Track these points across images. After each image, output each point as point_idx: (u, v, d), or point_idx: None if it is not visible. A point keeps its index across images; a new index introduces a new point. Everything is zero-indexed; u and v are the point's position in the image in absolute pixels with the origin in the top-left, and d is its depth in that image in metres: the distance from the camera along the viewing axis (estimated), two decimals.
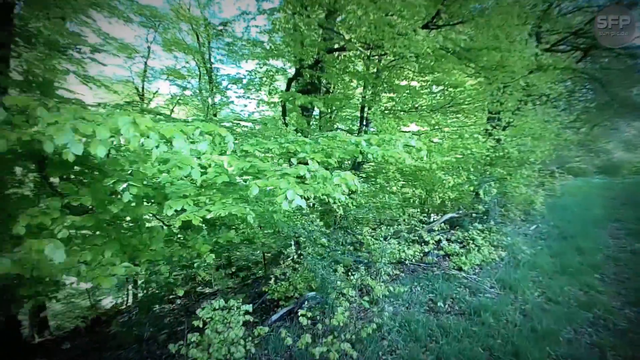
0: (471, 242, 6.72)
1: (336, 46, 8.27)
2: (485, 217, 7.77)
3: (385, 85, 9.53)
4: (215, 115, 14.11)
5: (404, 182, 11.35)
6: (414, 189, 10.19)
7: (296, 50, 8.82)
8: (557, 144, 10.95)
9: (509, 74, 7.61)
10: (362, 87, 10.00)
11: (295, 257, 5.86)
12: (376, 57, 8.76)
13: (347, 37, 7.42)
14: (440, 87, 10.62)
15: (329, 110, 10.90)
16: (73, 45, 7.81)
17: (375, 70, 9.53)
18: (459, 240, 6.96)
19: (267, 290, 5.24)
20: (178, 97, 14.14)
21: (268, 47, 10.33)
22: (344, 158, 3.50)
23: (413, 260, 6.31)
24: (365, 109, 9.55)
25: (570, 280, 5.70)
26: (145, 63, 13.09)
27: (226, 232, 4.02)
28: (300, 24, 8.07)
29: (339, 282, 4.32)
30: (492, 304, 4.93)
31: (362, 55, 8.64)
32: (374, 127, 8.45)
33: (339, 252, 6.36)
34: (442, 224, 8.73)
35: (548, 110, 10.07)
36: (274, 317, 5.04)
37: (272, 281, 5.27)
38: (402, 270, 6.28)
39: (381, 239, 5.89)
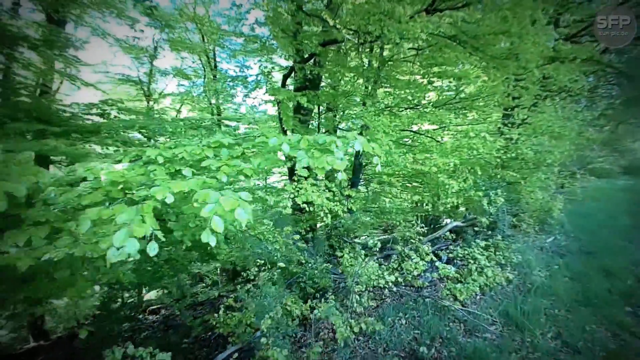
0: (472, 261, 5.35)
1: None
2: (490, 231, 6.41)
3: (384, 80, 8.30)
4: (219, 114, 13.37)
5: (408, 186, 10.11)
6: (413, 193, 8.92)
7: (282, 42, 7.75)
8: (579, 143, 9.46)
9: (521, 62, 6.28)
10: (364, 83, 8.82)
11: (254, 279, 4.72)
12: (368, 45, 7.56)
13: (331, 23, 6.26)
14: (447, 82, 9.34)
15: (320, 108, 9.81)
16: (59, 44, 7.17)
17: (373, 63, 8.35)
18: (458, 257, 5.65)
19: (214, 322, 4.14)
20: (184, 96, 13.48)
21: (260, 42, 9.35)
22: (265, 166, 2.33)
23: (393, 286, 5.03)
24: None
25: (595, 315, 4.36)
26: (151, 63, 12.39)
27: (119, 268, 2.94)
28: (281, 11, 6.96)
29: (263, 340, 3.14)
30: (491, 350, 3.69)
31: (358, 47, 7.45)
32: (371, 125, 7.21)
33: (315, 270, 5.23)
34: (447, 233, 7.49)
35: (568, 106, 8.60)
36: (221, 356, 3.95)
37: (220, 312, 4.16)
38: (386, 295, 5.05)
39: (360, 258, 4.69)
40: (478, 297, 4.89)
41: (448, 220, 9.66)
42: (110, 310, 6.81)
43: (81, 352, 6.60)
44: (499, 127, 8.03)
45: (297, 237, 5.51)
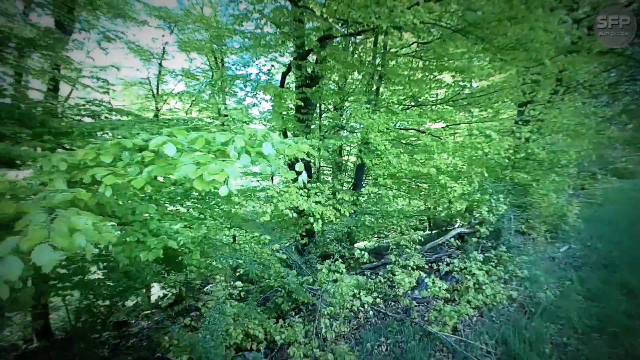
0: (469, 277, 4.60)
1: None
2: (493, 240, 5.63)
3: (385, 75, 7.63)
4: (226, 115, 12.96)
5: (414, 188, 9.38)
6: (415, 196, 8.20)
7: (275, 37, 7.22)
8: (598, 142, 8.53)
9: (531, 53, 5.51)
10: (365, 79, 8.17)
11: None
12: (364, 36, 6.94)
13: (318, 12, 5.65)
14: (453, 78, 8.57)
15: (322, 107, 9.20)
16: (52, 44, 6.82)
17: (376, 57, 7.69)
18: (455, 270, 4.91)
19: (164, 345, 3.58)
20: (181, 95, 13.12)
21: (255, 39, 8.84)
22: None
23: (369, 309, 4.33)
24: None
25: (612, 346, 3.60)
26: (160, 64, 12.12)
27: None
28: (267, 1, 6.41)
29: None
30: None
31: (348, 38, 6.83)
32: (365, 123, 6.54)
33: (292, 284, 4.62)
34: (452, 240, 6.75)
35: (587, 102, 7.69)
36: None
37: (176, 332, 3.61)
38: (369, 316, 4.38)
39: (338, 272, 4.06)
40: (475, 319, 4.18)
41: (458, 224, 8.92)
42: (92, 317, 6.41)
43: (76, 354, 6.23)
44: (512, 125, 7.26)
45: (277, 246, 4.92)
